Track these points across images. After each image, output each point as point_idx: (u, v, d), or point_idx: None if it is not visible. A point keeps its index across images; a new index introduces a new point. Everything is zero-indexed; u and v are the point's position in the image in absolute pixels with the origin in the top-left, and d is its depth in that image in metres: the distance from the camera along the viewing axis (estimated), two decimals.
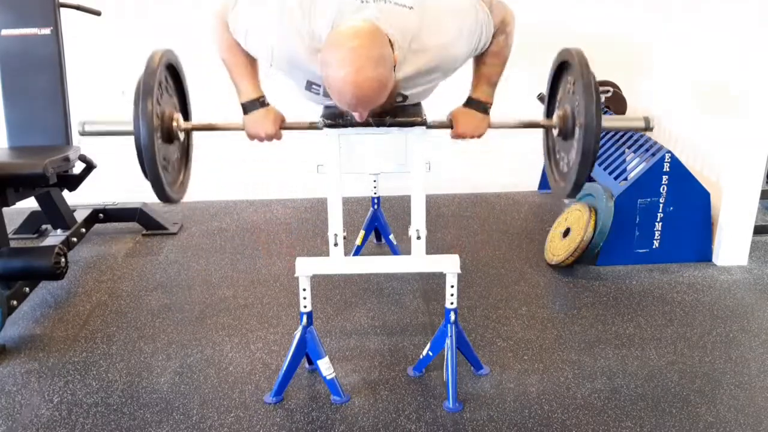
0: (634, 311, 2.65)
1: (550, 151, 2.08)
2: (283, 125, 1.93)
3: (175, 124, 1.87)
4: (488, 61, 1.91)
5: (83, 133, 1.91)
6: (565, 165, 1.96)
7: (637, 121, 1.93)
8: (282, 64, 1.82)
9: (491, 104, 1.95)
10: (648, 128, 1.91)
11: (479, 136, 1.96)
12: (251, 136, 1.94)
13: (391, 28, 1.67)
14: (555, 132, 1.97)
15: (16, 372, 2.30)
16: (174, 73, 1.95)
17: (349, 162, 2.18)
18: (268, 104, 1.92)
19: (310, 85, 1.87)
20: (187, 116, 2.04)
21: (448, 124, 1.96)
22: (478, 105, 1.94)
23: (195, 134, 2.08)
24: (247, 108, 1.91)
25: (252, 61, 1.90)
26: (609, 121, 1.85)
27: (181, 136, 1.92)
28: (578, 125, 1.79)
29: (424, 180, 2.02)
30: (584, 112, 1.74)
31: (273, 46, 1.78)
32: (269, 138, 1.93)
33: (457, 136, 1.96)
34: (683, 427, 2.01)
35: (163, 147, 1.83)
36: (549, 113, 2.06)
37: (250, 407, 2.11)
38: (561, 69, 1.98)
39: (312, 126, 1.94)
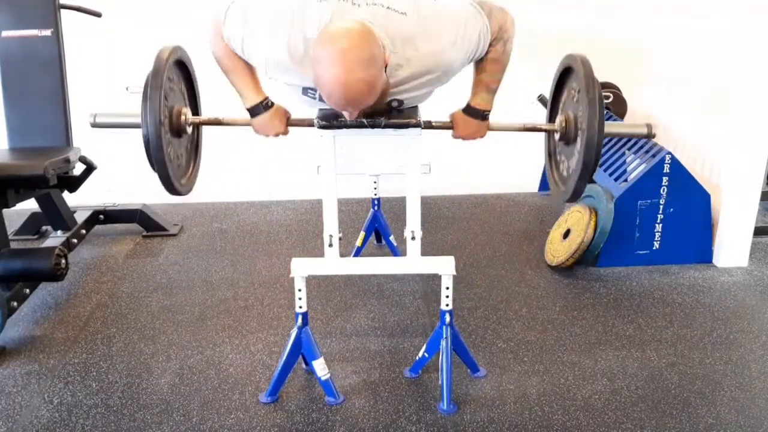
0: (635, 312, 2.65)
1: (551, 154, 2.09)
2: (289, 122, 1.97)
3: (183, 118, 1.91)
4: (487, 68, 1.91)
5: (94, 125, 1.95)
6: (565, 170, 1.97)
7: (639, 127, 1.94)
8: (277, 73, 1.83)
9: (490, 110, 1.97)
10: (650, 135, 1.93)
11: (480, 137, 1.99)
12: (259, 134, 1.99)
13: (383, 32, 1.67)
14: (557, 136, 1.98)
15: (16, 373, 2.30)
16: (184, 68, 1.98)
17: (349, 163, 2.19)
18: (272, 105, 1.94)
19: (306, 91, 1.88)
20: (196, 110, 2.06)
21: (449, 125, 1.98)
22: (476, 113, 1.96)
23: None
24: (253, 112, 1.94)
25: (251, 66, 1.91)
26: (610, 127, 1.86)
27: (189, 130, 1.95)
28: (580, 133, 1.80)
29: (420, 181, 2.03)
30: (587, 124, 1.75)
31: (267, 56, 1.79)
32: (277, 135, 1.97)
33: (457, 137, 2.00)
34: (683, 428, 2.01)
35: (171, 141, 1.87)
36: (551, 116, 2.07)
37: (250, 409, 2.11)
38: (565, 73, 1.99)
39: (311, 124, 1.96)
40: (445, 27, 1.77)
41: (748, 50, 2.81)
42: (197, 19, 3.52)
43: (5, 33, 2.94)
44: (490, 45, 1.86)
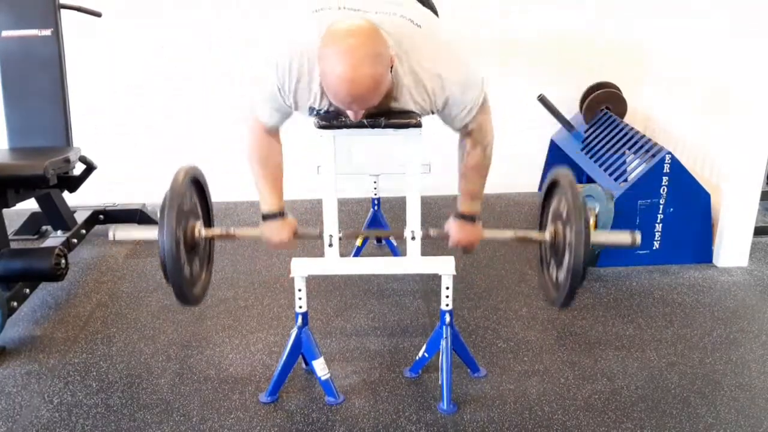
0: (635, 312, 2.65)
1: (542, 260, 2.13)
2: (296, 235, 2.04)
3: (197, 234, 1.95)
4: (469, 176, 1.97)
5: (113, 240, 2.01)
6: (555, 277, 2.00)
7: (624, 236, 1.97)
8: (284, 98, 1.83)
9: (479, 213, 2.05)
10: (634, 244, 1.96)
11: (477, 241, 2.07)
12: (265, 240, 2.04)
13: (389, 36, 1.67)
14: (546, 246, 2.03)
15: (16, 373, 2.30)
16: (198, 184, 2.03)
17: (350, 164, 2.19)
18: (285, 215, 2.02)
19: (311, 111, 1.88)
20: (209, 220, 2.11)
21: (446, 234, 2.06)
22: (466, 218, 2.04)
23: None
24: (267, 217, 2.01)
25: (279, 175, 2.01)
26: (597, 237, 1.94)
27: (202, 243, 2.00)
28: (568, 249, 1.84)
29: (419, 181, 2.03)
30: (574, 246, 1.78)
31: (274, 82, 1.79)
32: (282, 243, 2.03)
33: (454, 245, 2.06)
34: (683, 428, 2.01)
35: (186, 256, 1.90)
36: (541, 225, 2.11)
37: (250, 408, 2.11)
38: (554, 185, 2.02)
39: (321, 236, 2.05)
40: (455, 60, 1.79)
41: (748, 50, 2.81)
42: (197, 19, 3.56)
43: (5, 33, 2.95)
44: (471, 145, 1.90)
